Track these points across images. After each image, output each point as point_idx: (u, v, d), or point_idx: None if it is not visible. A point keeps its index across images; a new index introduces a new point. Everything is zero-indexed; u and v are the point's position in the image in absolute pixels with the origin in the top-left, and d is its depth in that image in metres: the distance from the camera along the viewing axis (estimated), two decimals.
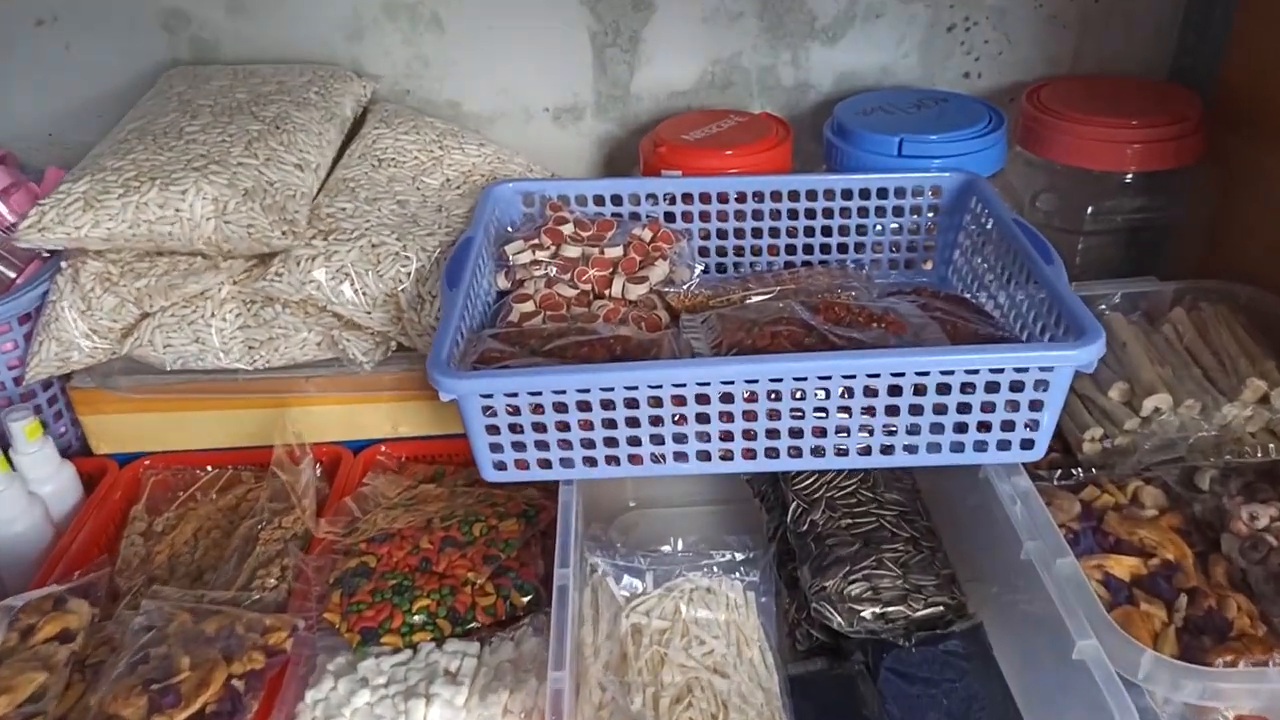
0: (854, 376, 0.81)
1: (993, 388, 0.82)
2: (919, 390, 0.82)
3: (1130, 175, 1.19)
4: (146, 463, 1.10)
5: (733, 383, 0.81)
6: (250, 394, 1.07)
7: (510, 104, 1.33)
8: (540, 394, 0.81)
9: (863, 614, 0.84)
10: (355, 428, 1.10)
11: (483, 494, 0.99)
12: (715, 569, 0.87)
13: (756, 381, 0.81)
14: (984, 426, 0.84)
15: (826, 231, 1.13)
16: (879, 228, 1.13)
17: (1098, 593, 0.81)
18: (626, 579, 0.85)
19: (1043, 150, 1.22)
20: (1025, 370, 0.80)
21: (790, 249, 1.14)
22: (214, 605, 0.86)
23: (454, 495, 1.00)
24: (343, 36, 1.27)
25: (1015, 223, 0.98)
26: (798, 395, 0.83)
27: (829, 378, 0.81)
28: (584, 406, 0.82)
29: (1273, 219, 1.14)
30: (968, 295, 1.06)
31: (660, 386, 0.81)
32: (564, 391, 0.81)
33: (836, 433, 0.85)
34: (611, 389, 0.81)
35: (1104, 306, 1.10)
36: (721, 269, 1.16)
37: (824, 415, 0.84)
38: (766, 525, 1.00)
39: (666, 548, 0.90)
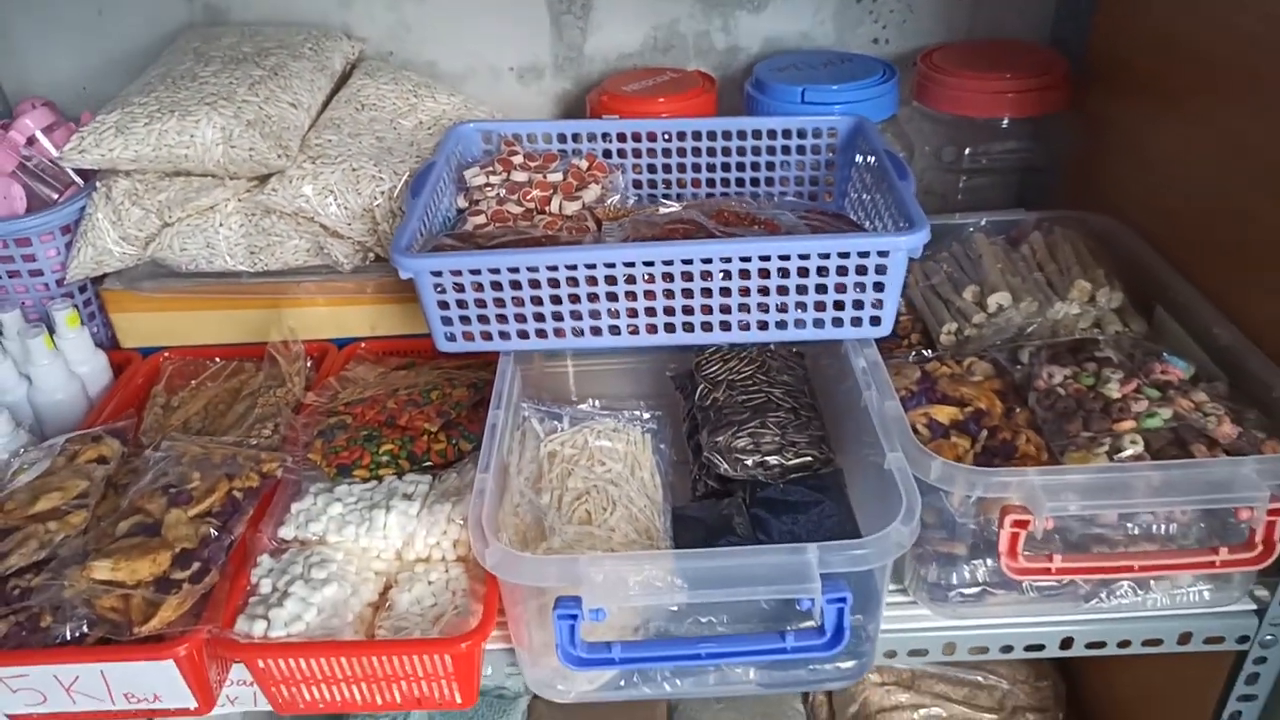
0: (730, 260, 1.00)
1: (841, 271, 1.01)
2: (782, 273, 1.01)
3: (1006, 122, 1.38)
4: (165, 354, 1.29)
5: (634, 265, 1.01)
6: (252, 295, 1.27)
7: (479, 64, 1.52)
8: (479, 272, 1.01)
9: (745, 461, 1.03)
10: (340, 327, 1.29)
11: (442, 373, 1.20)
12: (622, 416, 1.07)
13: (653, 264, 1.01)
14: (838, 305, 1.03)
15: (741, 168, 1.31)
16: (785, 164, 1.31)
17: (920, 433, 1.01)
18: (548, 421, 1.06)
19: (933, 103, 1.40)
20: (866, 255, 1.00)
21: (711, 183, 1.31)
22: (220, 444, 1.07)
23: (419, 376, 1.20)
24: (334, 3, 1.46)
25: (885, 153, 1.17)
26: (686, 277, 1.02)
27: (710, 260, 1.00)
28: (516, 285, 1.02)
29: (1125, 159, 1.32)
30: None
31: (575, 267, 1.01)
32: (498, 270, 1.01)
33: (722, 311, 1.05)
34: (536, 269, 1.01)
35: (971, 229, 1.29)
36: (653, 200, 1.33)
37: (709, 295, 1.03)
38: (683, 409, 1.18)
39: (585, 405, 1.10)
